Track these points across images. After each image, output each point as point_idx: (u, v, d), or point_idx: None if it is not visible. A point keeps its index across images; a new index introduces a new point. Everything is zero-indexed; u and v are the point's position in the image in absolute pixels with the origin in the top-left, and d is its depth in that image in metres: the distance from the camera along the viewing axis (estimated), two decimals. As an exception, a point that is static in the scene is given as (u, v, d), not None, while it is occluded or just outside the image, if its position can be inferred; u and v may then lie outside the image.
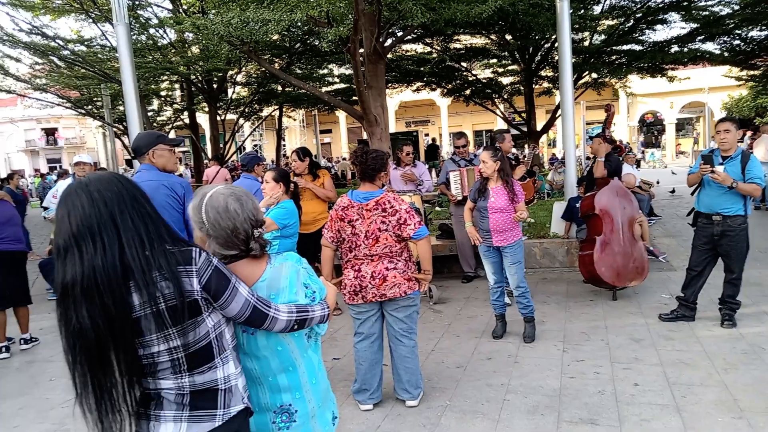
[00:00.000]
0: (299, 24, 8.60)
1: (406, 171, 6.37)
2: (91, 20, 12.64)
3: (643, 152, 29.08)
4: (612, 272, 5.20)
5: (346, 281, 3.45)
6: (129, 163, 21.49)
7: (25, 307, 5.18)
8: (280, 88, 16.44)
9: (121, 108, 17.74)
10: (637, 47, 13.51)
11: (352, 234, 3.37)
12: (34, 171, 33.49)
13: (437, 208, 9.22)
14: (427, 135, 29.60)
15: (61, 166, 39.81)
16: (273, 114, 19.84)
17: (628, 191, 5.62)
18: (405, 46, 14.34)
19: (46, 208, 7.58)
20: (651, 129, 37.12)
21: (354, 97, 15.05)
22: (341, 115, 32.71)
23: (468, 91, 16.21)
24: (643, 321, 4.73)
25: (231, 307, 1.53)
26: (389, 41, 9.20)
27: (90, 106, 17.27)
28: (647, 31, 13.35)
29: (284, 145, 22.49)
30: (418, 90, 16.45)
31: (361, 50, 7.95)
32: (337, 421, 2.03)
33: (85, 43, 14.09)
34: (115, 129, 17.40)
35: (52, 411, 3.85)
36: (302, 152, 5.92)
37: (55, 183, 18.49)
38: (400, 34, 10.69)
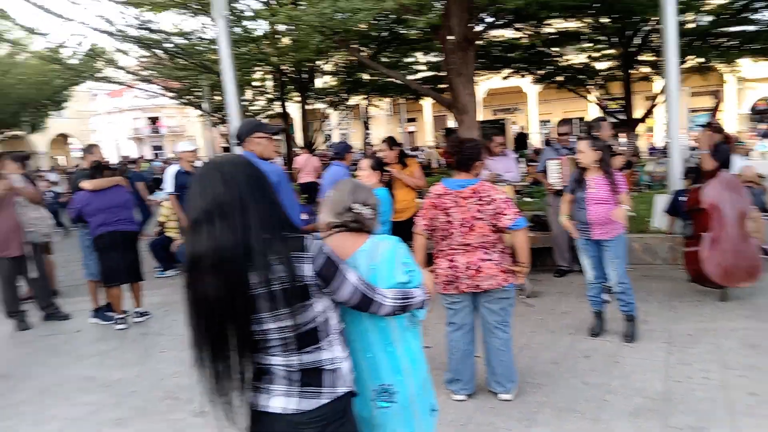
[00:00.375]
0: (389, 12, 8.59)
1: (489, 172, 6.22)
2: (191, 14, 13.32)
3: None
4: (720, 271, 4.83)
5: (439, 271, 3.44)
6: (226, 150, 22.59)
7: (138, 282, 5.61)
8: (367, 77, 16.60)
9: (218, 98, 18.64)
10: (751, 28, 12.37)
11: (446, 222, 3.34)
12: (140, 157, 36.03)
13: (526, 199, 8.97)
14: (514, 123, 28.84)
15: (161, 153, 42.59)
16: (359, 103, 20.08)
17: (740, 184, 5.18)
18: (494, 32, 13.98)
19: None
20: (765, 117, 34.04)
21: (440, 85, 14.95)
22: (426, 103, 32.54)
23: (560, 78, 15.58)
24: (758, 325, 4.36)
25: (340, 292, 1.61)
26: (479, 27, 9.02)
27: (190, 96, 18.24)
28: (763, 11, 12.18)
29: (369, 134, 22.72)
30: (506, 77, 16.02)
31: (450, 37, 7.84)
32: (436, 414, 2.03)
33: (186, 36, 14.90)
34: (212, 118, 18.30)
35: (163, 381, 4.14)
36: (392, 141, 5.95)
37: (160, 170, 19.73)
38: (490, 20, 10.44)
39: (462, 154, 3.34)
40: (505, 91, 32.27)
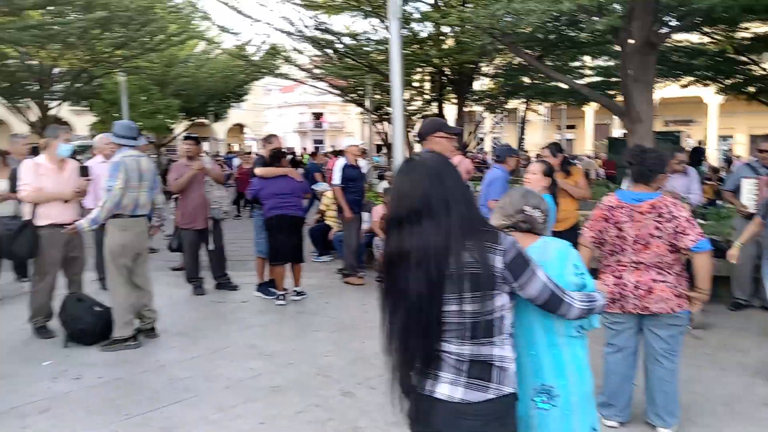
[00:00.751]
0: (562, 14, 8.28)
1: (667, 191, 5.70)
2: (363, 16, 14.00)
3: None
4: None
5: (603, 287, 3.23)
6: (378, 148, 23.48)
7: (299, 264, 6.04)
8: (528, 80, 16.17)
9: (378, 97, 19.40)
10: None
11: (617, 237, 3.14)
12: (302, 149, 38.82)
13: (699, 221, 8.11)
14: (689, 137, 26.23)
15: (322, 147, 45.38)
16: (517, 107, 19.62)
17: None
18: (677, 36, 12.81)
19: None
20: None
21: (609, 91, 14.07)
22: (589, 110, 30.87)
23: (751, 88, 13.83)
24: None
25: (529, 287, 1.63)
26: (662, 30, 8.31)
27: (353, 94, 19.17)
28: None
29: (523, 139, 22.12)
30: (686, 86, 14.60)
31: (631, 41, 7.33)
32: None
33: (355, 37, 15.70)
34: (373, 116, 19.07)
35: (316, 358, 4.42)
36: (556, 148, 5.73)
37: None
38: (675, 23, 9.57)
39: (643, 164, 3.11)
40: (681, 101, 29.41)
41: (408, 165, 1.69)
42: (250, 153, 18.52)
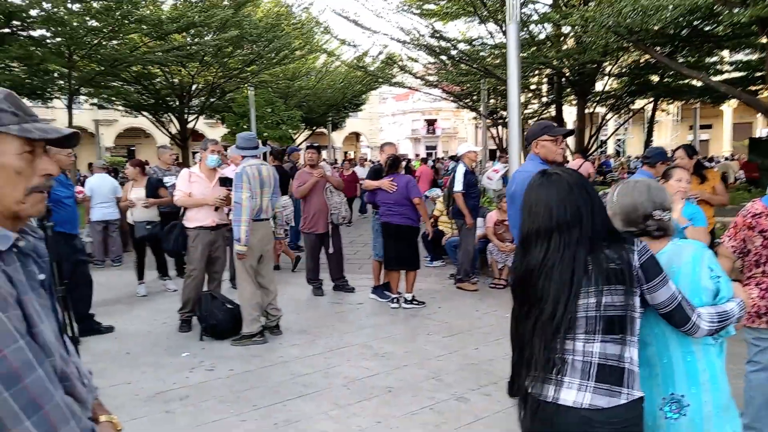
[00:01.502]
0: (699, 7, 7.67)
1: None
2: (478, 21, 13.91)
3: None
4: None
5: (745, 296, 2.94)
6: (492, 153, 23.04)
7: (411, 271, 6.09)
8: (656, 79, 15.11)
9: (493, 101, 19.11)
10: None
11: (762, 246, 2.84)
12: (415, 156, 39.26)
13: None
14: None
15: (436, 153, 45.53)
16: (644, 107, 18.39)
17: None
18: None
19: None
20: None
21: (751, 86, 12.77)
22: (727, 108, 28.17)
23: None
24: None
25: (658, 293, 1.60)
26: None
27: (468, 100, 19.09)
28: None
29: (651, 141, 20.61)
30: None
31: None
32: None
33: (470, 42, 15.63)
34: (487, 121, 18.85)
35: (429, 361, 4.45)
36: (690, 150, 5.30)
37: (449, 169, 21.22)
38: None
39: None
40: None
41: (547, 178, 1.69)
42: (349, 160, 19.24)
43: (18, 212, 1.16)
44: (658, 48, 12.90)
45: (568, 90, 16.17)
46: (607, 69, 15.31)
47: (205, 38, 14.99)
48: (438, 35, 14.32)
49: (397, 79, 18.05)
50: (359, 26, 14.54)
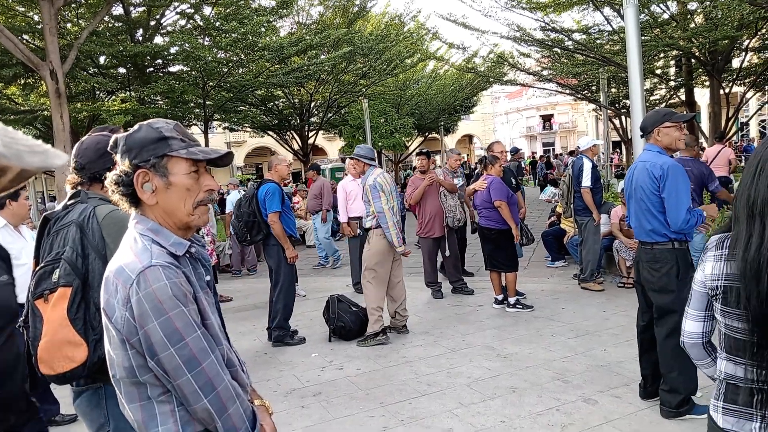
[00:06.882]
0: None
1: None
2: (592, 8, 13.27)
3: None
4: None
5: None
6: (615, 145, 21.74)
7: (512, 273, 5.95)
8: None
9: (614, 90, 18.07)
10: None
11: None
12: (531, 154, 38.04)
13: None
14: None
15: (553, 150, 43.85)
16: (794, 82, 16.34)
17: None
18: None
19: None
20: None
21: None
22: None
23: None
24: None
25: None
26: None
27: (586, 91, 18.24)
28: None
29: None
30: None
31: None
32: None
33: (586, 31, 14.95)
34: (609, 111, 17.87)
35: (553, 362, 4.37)
36: None
37: (569, 165, 20.36)
38: None
39: None
40: None
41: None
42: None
43: (188, 223, 1.41)
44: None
45: (699, 71, 14.86)
46: (745, 43, 13.86)
47: (321, 57, 15.82)
48: (551, 27, 13.86)
49: (509, 76, 17.70)
50: (468, 28, 14.48)
